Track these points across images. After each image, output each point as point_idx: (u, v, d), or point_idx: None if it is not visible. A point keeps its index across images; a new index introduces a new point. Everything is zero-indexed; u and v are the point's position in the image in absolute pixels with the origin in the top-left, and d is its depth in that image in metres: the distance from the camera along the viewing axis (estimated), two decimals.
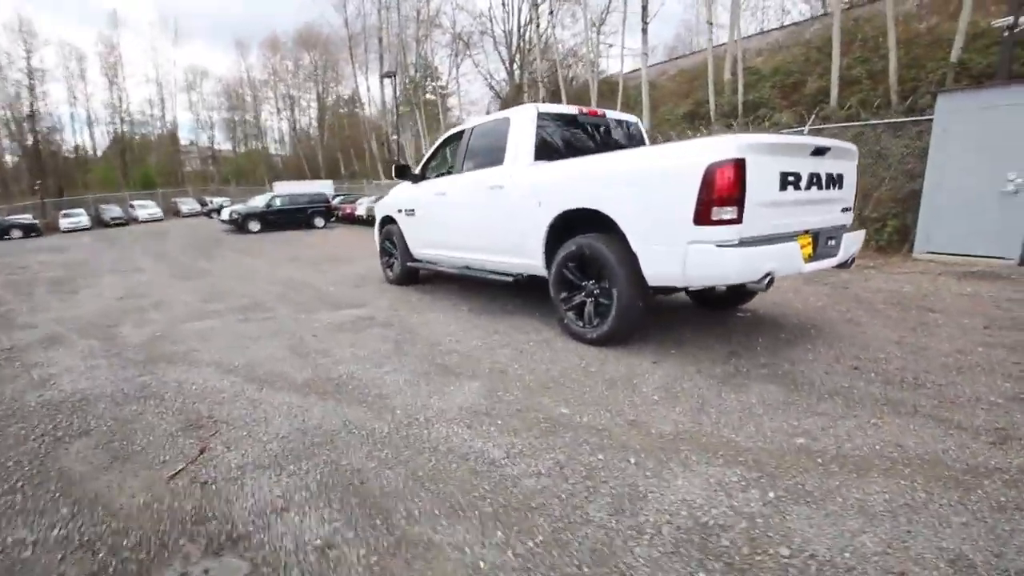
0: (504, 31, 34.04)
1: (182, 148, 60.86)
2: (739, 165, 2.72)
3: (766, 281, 2.86)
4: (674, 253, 2.96)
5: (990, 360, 3.10)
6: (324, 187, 36.49)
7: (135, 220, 33.29)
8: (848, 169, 3.54)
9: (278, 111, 65.08)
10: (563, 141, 4.37)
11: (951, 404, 2.51)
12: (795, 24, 24.51)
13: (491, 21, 34.65)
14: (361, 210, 22.16)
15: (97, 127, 53.35)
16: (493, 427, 2.42)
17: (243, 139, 66.02)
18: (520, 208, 4.05)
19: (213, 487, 1.99)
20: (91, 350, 3.99)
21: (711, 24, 16.62)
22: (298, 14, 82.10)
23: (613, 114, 4.82)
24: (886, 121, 10.20)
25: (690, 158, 2.84)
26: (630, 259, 3.27)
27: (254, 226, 20.08)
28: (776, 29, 24.53)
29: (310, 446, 2.29)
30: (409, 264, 5.97)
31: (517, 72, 33.66)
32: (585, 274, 3.66)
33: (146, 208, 35.00)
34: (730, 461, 2.06)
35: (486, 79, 36.85)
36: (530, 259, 4.09)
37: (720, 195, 2.73)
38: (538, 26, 24.90)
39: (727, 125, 14.53)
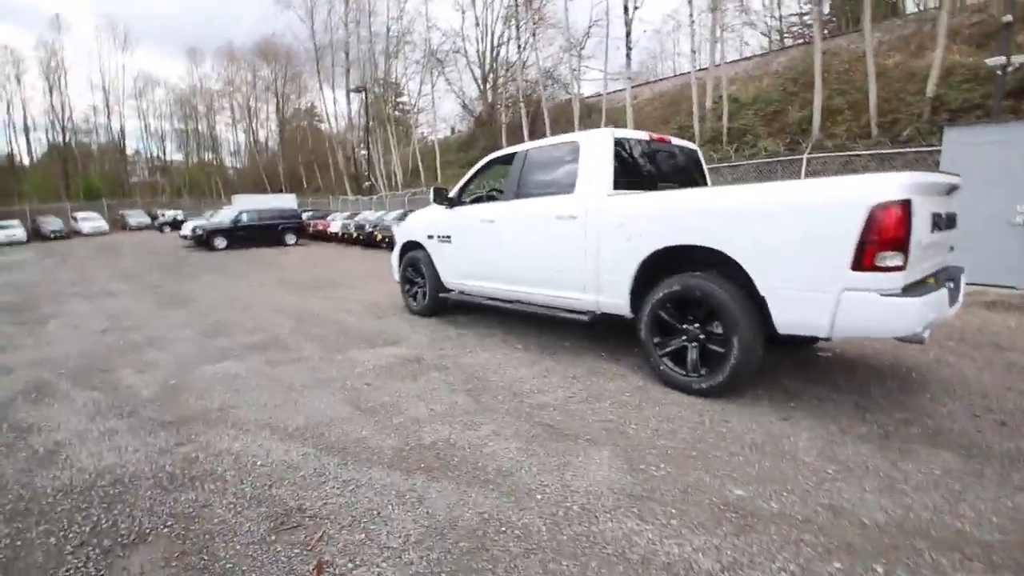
0: (477, 51, 34.09)
1: (129, 158, 57.52)
2: (906, 206, 2.45)
3: (927, 334, 2.60)
4: (821, 300, 2.66)
5: None
6: (288, 201, 35.18)
7: (78, 233, 30.87)
8: (955, 206, 3.38)
9: (234, 122, 62.82)
10: (637, 169, 4.06)
11: None
12: (760, 55, 25.66)
13: (464, 40, 34.59)
14: (335, 226, 21.30)
15: (34, 133, 49.70)
16: (672, 519, 1.99)
17: (196, 150, 63.19)
18: (600, 241, 3.69)
19: None
20: (97, 406, 3.30)
21: (695, 52, 17.01)
22: (259, 24, 79.74)
23: (675, 141, 4.56)
24: (886, 151, 10.49)
25: (847, 196, 2.56)
26: (754, 303, 2.96)
27: (220, 243, 18.85)
28: (744, 59, 25.53)
29: (460, 556, 1.80)
30: (441, 295, 5.47)
31: (490, 92, 33.67)
32: (684, 316, 3.32)
33: (90, 220, 32.53)
34: (989, 563, 1.73)
35: (458, 97, 36.73)
36: (611, 297, 3.71)
37: (886, 238, 2.46)
38: (520, 47, 24.98)
39: (714, 151, 14.80)
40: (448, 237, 5.20)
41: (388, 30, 36.17)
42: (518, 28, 24.33)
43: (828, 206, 2.62)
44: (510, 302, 4.65)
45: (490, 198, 5.37)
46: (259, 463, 2.48)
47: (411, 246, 5.87)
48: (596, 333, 4.64)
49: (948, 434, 2.68)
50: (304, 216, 25.70)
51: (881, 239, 2.46)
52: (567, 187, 4.02)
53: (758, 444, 2.60)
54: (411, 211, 20.31)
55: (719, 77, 17.21)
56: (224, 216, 20.56)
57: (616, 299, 3.68)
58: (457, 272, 5.20)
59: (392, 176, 37.89)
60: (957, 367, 3.80)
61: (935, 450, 2.51)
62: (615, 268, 3.62)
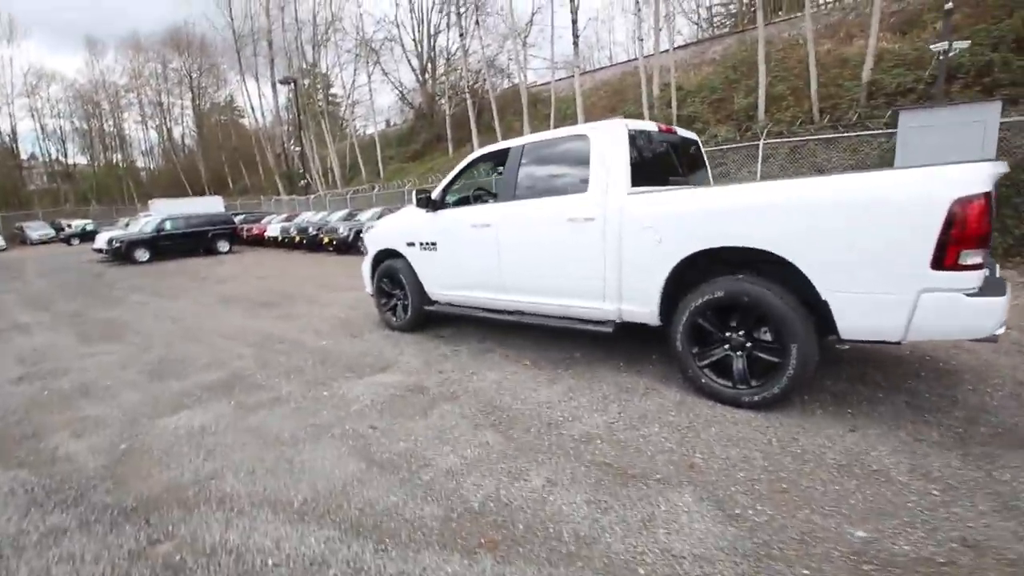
0: (414, 40, 32.84)
1: (23, 163, 51.49)
2: (987, 199, 2.26)
3: (1001, 331, 2.44)
4: (896, 303, 2.44)
5: None
6: (214, 205, 32.81)
7: None
8: None
9: (144, 119, 57.64)
10: (649, 163, 3.74)
11: None
12: (695, 44, 26.31)
13: (399, 28, 33.19)
14: (273, 230, 19.88)
15: None
16: None
17: (102, 151, 57.56)
18: (623, 245, 3.34)
19: None
20: (28, 490, 2.58)
21: (642, 40, 17.03)
22: (169, 12, 73.30)
23: (680, 131, 4.29)
24: (855, 134, 10.81)
25: (925, 190, 2.33)
26: (810, 308, 2.72)
27: (142, 255, 17.08)
28: (682, 47, 26.07)
29: None
30: (426, 308, 4.95)
31: (430, 82, 32.63)
32: (726, 324, 3.05)
33: None
34: None
35: (396, 88, 35.34)
36: (636, 305, 3.38)
37: (970, 235, 2.25)
38: (461, 35, 24.16)
39: None
40: (433, 244, 4.68)
41: (315, 17, 34.13)
42: (459, 16, 23.53)
43: (902, 201, 2.39)
44: (510, 313, 4.23)
45: (477, 199, 4.91)
46: (271, 562, 1.94)
47: (386, 255, 5.29)
48: (603, 340, 4.31)
49: (1019, 431, 2.56)
50: (237, 219, 23.89)
51: (965, 236, 2.26)
52: (577, 186, 3.64)
53: (844, 466, 2.35)
54: (356, 211, 19.30)
55: (664, 65, 17.37)
56: (145, 224, 18.61)
57: (643, 307, 3.36)
58: (445, 283, 4.70)
59: (329, 173, 36.05)
60: (978, 352, 3.77)
61: (1020, 452, 2.37)
62: (642, 274, 3.29)
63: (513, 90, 27.29)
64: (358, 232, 14.88)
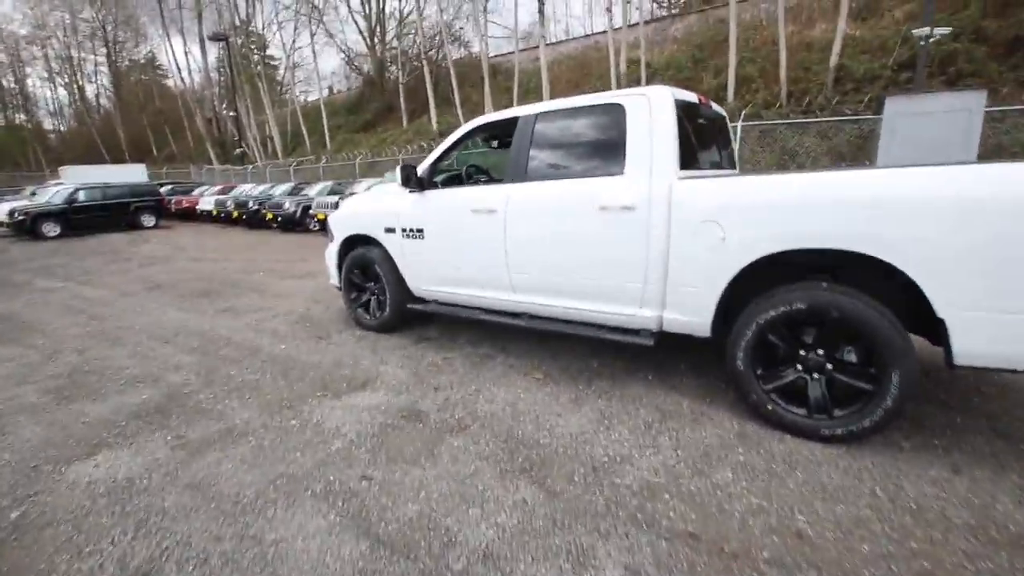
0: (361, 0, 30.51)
1: None
2: None
3: None
4: None
5: None
6: (137, 173, 29.80)
7: None
8: None
9: (51, 75, 51.30)
10: (693, 142, 3.15)
11: None
12: (657, 20, 25.93)
13: None
14: (206, 203, 18.06)
15: None
16: None
17: (2, 111, 51.13)
18: (672, 241, 2.75)
19: None
20: None
21: (610, 11, 16.35)
22: None
23: (713, 105, 3.71)
24: (838, 119, 10.68)
25: None
26: (916, 326, 2.25)
27: (51, 229, 15.05)
28: (647, 23, 25.65)
29: None
30: (409, 306, 4.21)
31: (379, 47, 30.59)
32: (801, 340, 2.55)
33: None
34: None
35: (342, 50, 32.97)
36: (684, 313, 2.82)
37: None
38: None
39: None
40: (419, 231, 3.92)
41: None
42: None
43: None
44: (515, 316, 3.58)
45: (472, 179, 4.18)
46: None
47: (358, 241, 4.47)
48: (622, 345, 3.76)
49: None
50: (163, 190, 21.65)
51: None
52: (609, 166, 3.01)
53: (976, 528, 1.91)
54: (303, 184, 17.73)
55: (630, 41, 16.83)
56: (55, 194, 16.32)
57: (693, 316, 2.80)
58: (434, 277, 3.97)
59: (268, 142, 33.42)
60: None
61: None
62: (696, 276, 2.72)
63: (471, 60, 26.02)
64: (306, 208, 13.63)
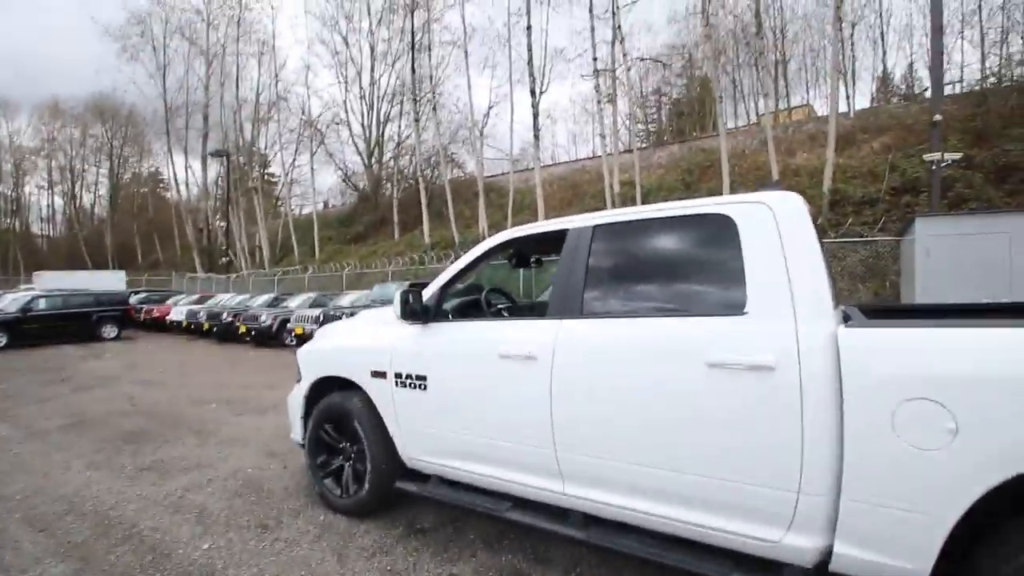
0: (362, 124, 32.36)
1: None
2: None
3: None
4: None
5: None
6: (113, 280, 28.84)
7: None
8: None
9: (50, 184, 52.41)
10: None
11: None
12: (642, 149, 27.55)
13: (348, 112, 32.67)
14: (178, 313, 16.85)
15: None
16: None
17: None
18: (851, 429, 1.68)
19: None
20: None
21: (603, 137, 17.01)
22: (96, 76, 70.19)
23: None
24: (864, 239, 10.34)
25: None
26: None
27: None
28: (625, 152, 27.21)
29: None
30: (399, 485, 2.96)
31: (376, 166, 31.80)
32: None
33: None
34: None
35: (339, 169, 34.20)
36: (878, 550, 1.66)
37: None
38: (417, 120, 23.64)
39: None
40: (420, 379, 2.80)
41: (258, 96, 33.04)
42: (415, 102, 23.11)
43: None
44: (563, 517, 2.36)
45: (490, 307, 3.19)
46: None
47: (332, 385, 3.32)
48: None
49: None
50: (135, 299, 20.53)
51: None
52: (718, 301, 2.03)
53: None
54: (285, 295, 16.77)
55: (621, 164, 17.36)
56: (12, 302, 15.03)
57: (892, 556, 1.64)
58: (438, 445, 2.78)
59: (257, 251, 33.18)
60: None
61: None
62: (898, 491, 1.61)
63: (464, 179, 26.90)
64: (284, 321, 12.52)
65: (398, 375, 2.89)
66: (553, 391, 2.30)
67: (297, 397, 3.53)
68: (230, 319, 13.96)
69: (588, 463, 2.23)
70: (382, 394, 2.98)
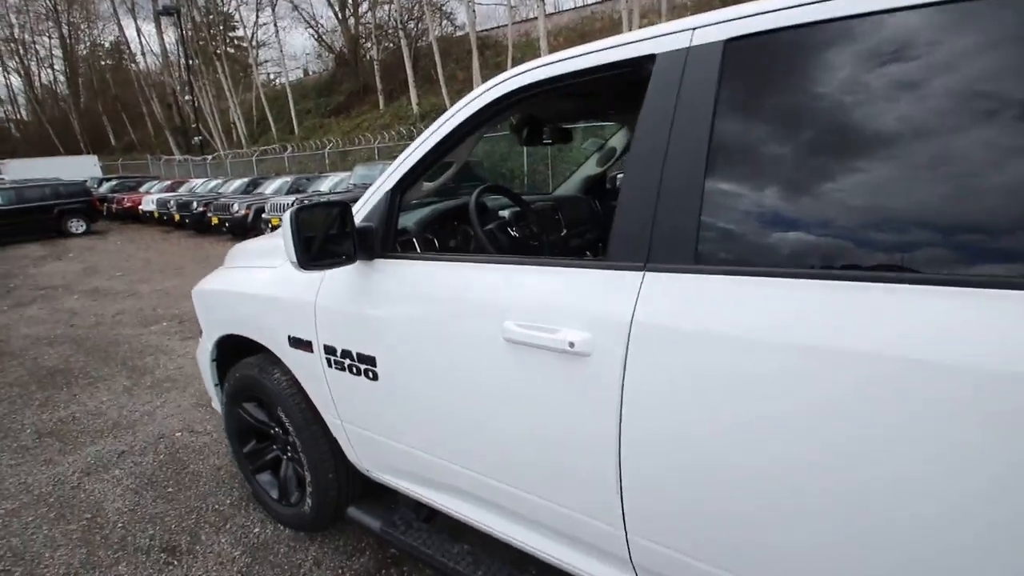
0: None
1: None
2: None
3: None
4: None
5: None
6: (85, 166, 26.88)
7: None
8: None
9: (2, 61, 47.01)
10: None
11: None
12: None
13: None
14: (149, 203, 15.38)
15: None
16: None
17: None
18: None
19: None
20: None
21: None
22: None
23: None
24: None
25: None
26: None
27: None
28: None
29: None
30: (351, 514, 1.89)
31: (352, 19, 27.60)
32: None
33: None
34: None
35: (309, 25, 29.87)
36: None
37: None
38: None
39: None
40: (367, 361, 1.56)
41: None
42: None
43: None
44: None
45: (481, 227, 1.84)
46: None
47: (243, 346, 2.10)
48: None
49: None
50: (105, 187, 18.91)
51: None
52: None
53: None
54: (261, 179, 15.05)
55: (645, 5, 14.38)
56: None
57: None
58: (405, 463, 1.63)
59: (233, 129, 30.38)
60: None
61: None
62: None
63: (454, 37, 23.30)
64: (259, 211, 11.11)
65: (330, 350, 1.65)
66: (624, 421, 1.06)
67: (204, 356, 2.36)
68: (200, 209, 12.54)
69: (692, 552, 1.07)
70: (311, 376, 1.77)
